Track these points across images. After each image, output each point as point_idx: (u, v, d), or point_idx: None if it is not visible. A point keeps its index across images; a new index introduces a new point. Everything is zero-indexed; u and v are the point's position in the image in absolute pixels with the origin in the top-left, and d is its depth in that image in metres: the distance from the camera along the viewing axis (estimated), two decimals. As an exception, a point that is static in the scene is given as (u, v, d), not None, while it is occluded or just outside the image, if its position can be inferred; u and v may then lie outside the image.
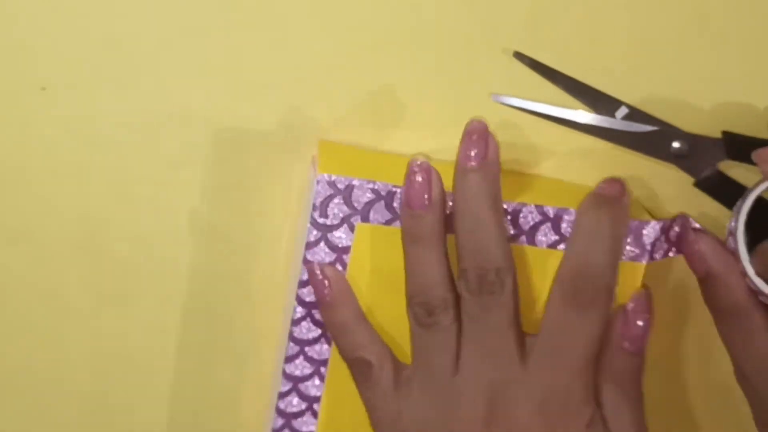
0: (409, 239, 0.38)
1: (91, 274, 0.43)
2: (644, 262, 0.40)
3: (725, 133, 0.41)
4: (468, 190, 0.38)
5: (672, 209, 0.43)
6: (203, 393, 0.45)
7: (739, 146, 0.41)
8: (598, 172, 0.43)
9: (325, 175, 0.38)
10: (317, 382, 0.41)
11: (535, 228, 0.39)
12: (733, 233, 0.39)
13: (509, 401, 0.37)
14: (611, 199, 0.38)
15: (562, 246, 0.39)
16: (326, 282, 0.39)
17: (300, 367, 0.40)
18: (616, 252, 0.38)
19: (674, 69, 0.42)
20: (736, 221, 0.39)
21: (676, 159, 0.42)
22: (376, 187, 0.38)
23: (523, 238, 0.39)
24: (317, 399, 0.41)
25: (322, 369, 0.41)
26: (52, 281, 0.43)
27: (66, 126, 0.41)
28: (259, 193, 0.42)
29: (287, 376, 0.40)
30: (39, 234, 0.42)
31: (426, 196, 0.38)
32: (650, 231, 0.39)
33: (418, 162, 0.38)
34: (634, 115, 0.42)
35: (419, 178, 0.38)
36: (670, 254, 0.40)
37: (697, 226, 0.40)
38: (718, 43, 0.42)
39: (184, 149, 0.42)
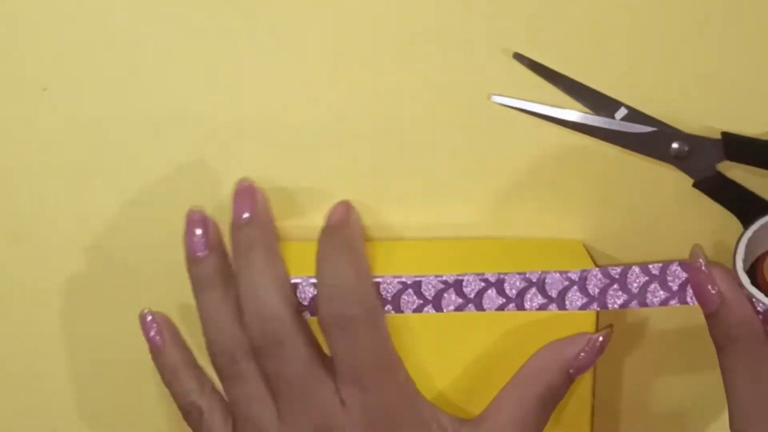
0: (195, 288, 0.39)
1: (92, 274, 0.43)
2: (595, 309, 0.40)
3: (725, 134, 0.41)
4: (240, 243, 0.39)
5: (671, 210, 0.43)
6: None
7: (739, 147, 0.41)
8: (597, 173, 0.43)
9: None
10: None
11: (522, 294, 0.40)
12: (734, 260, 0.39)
13: None
14: (336, 227, 0.40)
15: (552, 307, 0.40)
16: (155, 326, 0.41)
17: None
18: (358, 267, 0.38)
19: (674, 69, 0.42)
20: (736, 247, 0.39)
21: (676, 160, 0.42)
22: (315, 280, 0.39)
23: (554, 305, 0.40)
24: None
25: None
26: (52, 281, 0.43)
27: (67, 126, 0.41)
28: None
29: None
30: (39, 234, 0.42)
31: (203, 242, 0.39)
32: (594, 279, 0.40)
33: (195, 213, 0.39)
34: (634, 116, 0.42)
35: (197, 230, 0.39)
36: (633, 305, 0.40)
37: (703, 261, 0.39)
38: (718, 44, 0.42)
39: (184, 149, 0.42)
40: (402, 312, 0.40)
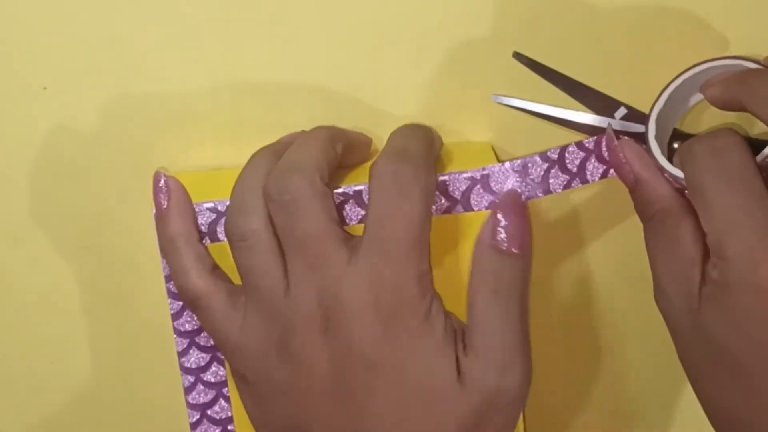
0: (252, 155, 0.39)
1: (91, 274, 0.43)
2: (460, 211, 0.39)
3: None
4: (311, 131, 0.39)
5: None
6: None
7: None
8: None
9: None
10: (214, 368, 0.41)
11: (467, 193, 0.38)
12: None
13: (342, 305, 0.35)
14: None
15: (458, 208, 0.38)
16: (165, 190, 0.38)
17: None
18: (429, 141, 0.38)
19: (674, 69, 0.42)
20: (648, 118, 0.39)
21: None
22: (213, 205, 0.39)
23: (460, 206, 0.39)
24: (224, 383, 0.41)
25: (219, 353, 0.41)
26: (52, 281, 0.43)
27: (67, 126, 0.41)
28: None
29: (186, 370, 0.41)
30: (39, 233, 0.42)
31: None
32: (495, 176, 0.38)
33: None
34: (633, 115, 0.42)
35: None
36: (538, 195, 0.38)
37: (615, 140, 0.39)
38: (718, 44, 0.42)
39: (184, 149, 0.42)
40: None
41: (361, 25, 0.41)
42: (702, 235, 0.36)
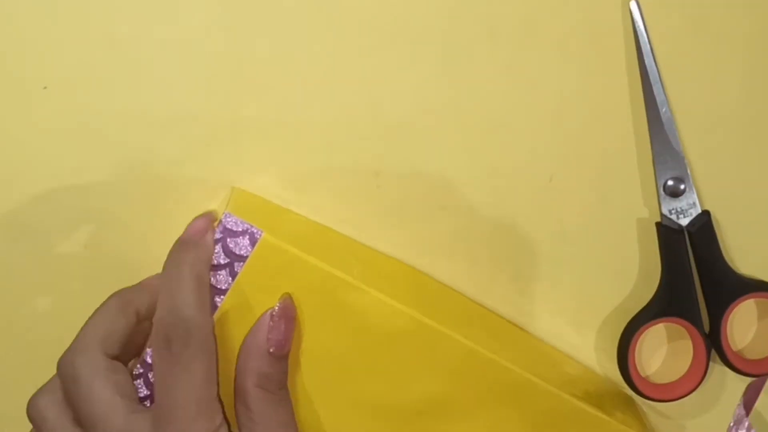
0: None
1: (92, 273, 0.43)
2: None
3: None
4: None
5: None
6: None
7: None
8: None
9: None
10: None
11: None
12: None
13: None
14: (190, 242, 0.38)
15: None
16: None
17: None
18: (201, 292, 0.37)
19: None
20: None
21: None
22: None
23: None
24: None
25: None
26: (52, 280, 0.43)
27: (67, 125, 0.41)
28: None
29: None
30: (40, 233, 0.42)
31: None
32: None
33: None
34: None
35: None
36: None
37: None
38: (718, 45, 0.42)
39: (184, 149, 0.42)
40: None
41: (359, 27, 0.41)
42: None
